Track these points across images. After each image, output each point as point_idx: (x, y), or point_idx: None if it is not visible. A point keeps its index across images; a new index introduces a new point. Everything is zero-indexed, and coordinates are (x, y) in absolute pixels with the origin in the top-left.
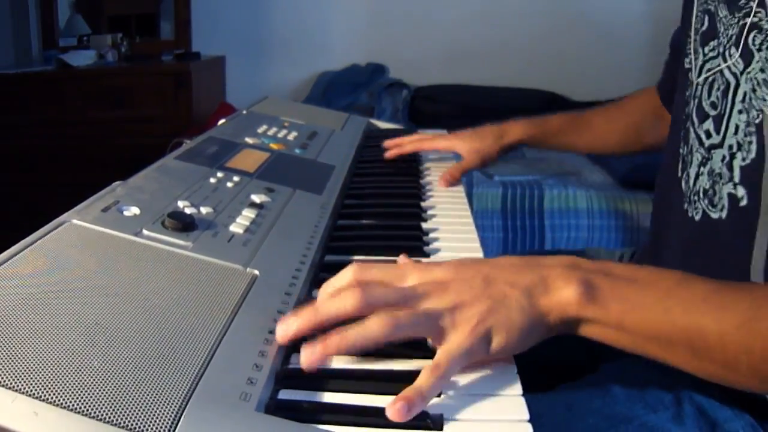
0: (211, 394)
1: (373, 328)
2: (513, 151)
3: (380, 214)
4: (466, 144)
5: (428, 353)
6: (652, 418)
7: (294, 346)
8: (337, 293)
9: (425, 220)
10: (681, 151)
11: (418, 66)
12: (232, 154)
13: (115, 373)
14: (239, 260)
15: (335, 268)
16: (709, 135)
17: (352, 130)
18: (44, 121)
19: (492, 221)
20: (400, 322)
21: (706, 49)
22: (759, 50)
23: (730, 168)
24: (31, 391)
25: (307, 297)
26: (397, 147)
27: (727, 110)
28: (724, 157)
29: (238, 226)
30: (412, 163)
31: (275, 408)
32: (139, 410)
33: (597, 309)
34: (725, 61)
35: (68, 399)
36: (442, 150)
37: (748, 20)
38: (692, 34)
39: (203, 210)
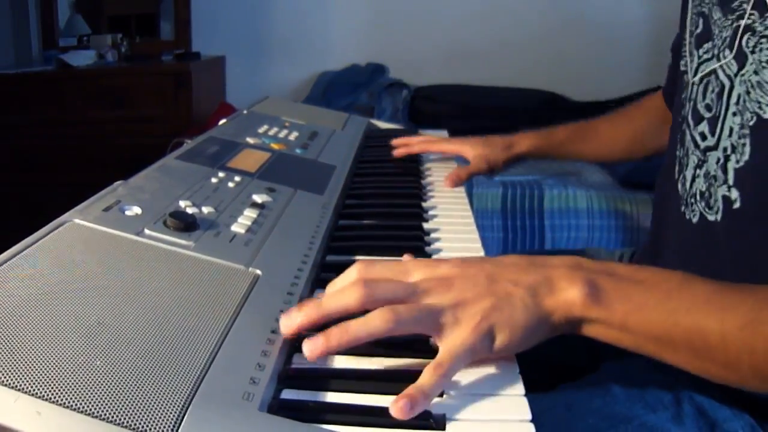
0: (213, 394)
1: (375, 321)
2: (519, 162)
3: (381, 214)
4: (474, 149)
5: (430, 352)
6: (652, 418)
7: (296, 345)
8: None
9: (426, 221)
10: (677, 153)
11: (418, 66)
12: (233, 154)
13: (117, 373)
14: (241, 260)
15: (337, 268)
16: (704, 137)
17: (352, 130)
18: (44, 121)
19: (492, 221)
20: (402, 317)
21: (701, 51)
22: (753, 52)
23: (725, 170)
24: (34, 390)
25: (309, 297)
26: (404, 146)
27: (722, 112)
28: (718, 160)
29: (239, 226)
30: (413, 164)
31: (278, 408)
32: (141, 410)
33: (601, 309)
34: (719, 63)
35: (71, 398)
36: (450, 153)
37: (742, 22)
38: (687, 36)
39: (205, 210)
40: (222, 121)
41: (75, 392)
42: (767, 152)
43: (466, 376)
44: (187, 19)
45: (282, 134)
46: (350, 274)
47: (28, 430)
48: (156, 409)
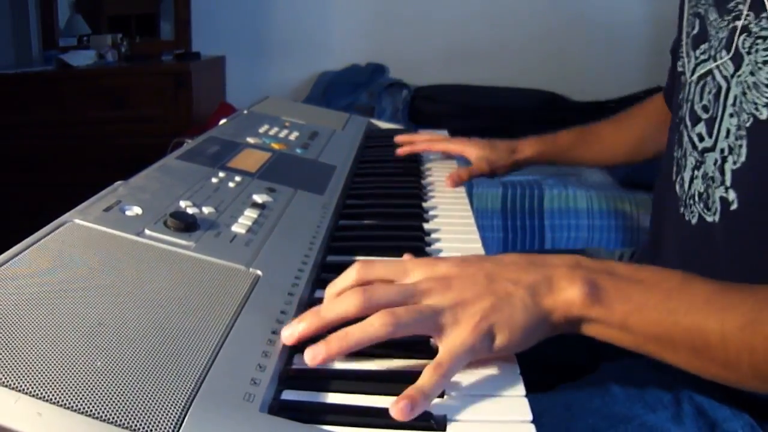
0: (214, 395)
1: (375, 326)
2: (521, 168)
3: (382, 215)
4: (477, 151)
5: (430, 353)
6: (652, 417)
7: (297, 346)
8: (341, 294)
9: (427, 221)
10: (675, 154)
11: (418, 66)
12: (233, 154)
13: (118, 374)
14: (242, 260)
15: (337, 269)
16: (701, 138)
17: (352, 130)
18: (44, 121)
19: (492, 221)
20: (401, 320)
21: (698, 52)
22: (749, 53)
23: (722, 172)
24: (35, 391)
25: (309, 297)
26: (409, 145)
27: (719, 113)
28: (716, 161)
29: (240, 226)
30: (414, 164)
31: (279, 409)
32: (142, 411)
33: (601, 309)
34: (716, 64)
35: (72, 399)
36: (453, 153)
37: (738, 23)
38: (684, 37)
39: (205, 210)
40: (222, 121)
41: (76, 393)
42: (764, 153)
43: (467, 377)
44: (187, 19)
45: (282, 134)
46: (349, 275)
47: (28, 431)
48: (157, 409)
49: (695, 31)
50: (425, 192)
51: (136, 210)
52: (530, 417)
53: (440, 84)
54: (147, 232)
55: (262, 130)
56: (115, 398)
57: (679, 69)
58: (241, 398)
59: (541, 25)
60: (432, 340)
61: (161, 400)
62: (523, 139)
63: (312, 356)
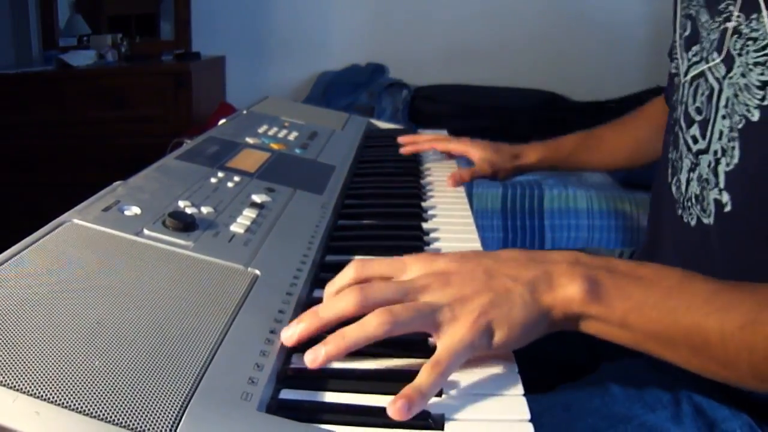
0: (212, 394)
1: (372, 325)
2: (523, 173)
3: (381, 214)
4: (481, 152)
5: (429, 352)
6: (651, 417)
7: (295, 346)
8: (339, 293)
9: (426, 220)
10: (670, 156)
11: (418, 66)
12: (232, 154)
13: (116, 373)
14: (240, 260)
15: (336, 268)
16: (696, 140)
17: (352, 130)
18: (44, 121)
19: (492, 221)
20: (398, 319)
21: (690, 54)
22: (740, 55)
23: (716, 174)
24: (33, 390)
25: (308, 297)
26: (412, 144)
27: (712, 115)
28: (710, 163)
29: (238, 226)
30: (413, 164)
31: (276, 408)
32: (140, 410)
33: (601, 307)
34: (708, 65)
35: (70, 398)
36: (456, 153)
37: (729, 25)
38: (677, 38)
39: (204, 210)
40: (222, 121)
41: (74, 392)
42: (756, 155)
43: (465, 376)
44: (187, 19)
45: (282, 134)
46: (347, 273)
47: (26, 430)
48: (154, 409)
49: (687, 33)
50: (424, 192)
51: (135, 210)
52: (528, 416)
53: (440, 84)
54: (146, 232)
55: (261, 130)
56: (113, 397)
57: (673, 70)
58: (239, 397)
59: (541, 25)
60: (431, 338)
61: (159, 399)
62: (527, 145)
63: (312, 359)
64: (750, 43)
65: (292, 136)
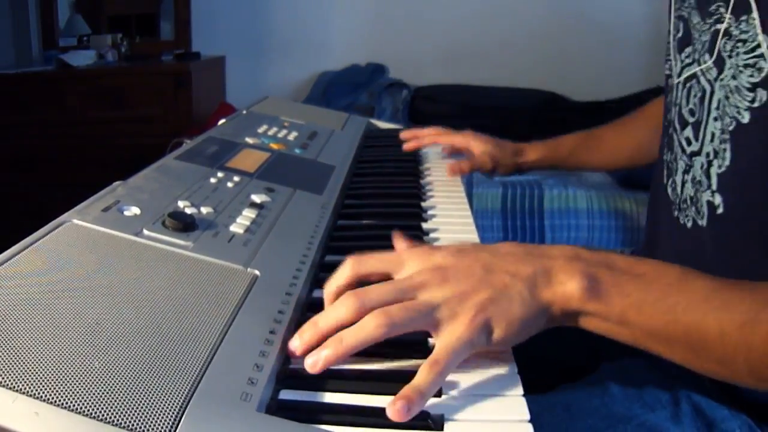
0: (211, 395)
1: (370, 328)
2: (523, 172)
3: (380, 214)
4: (482, 145)
5: (428, 352)
6: (650, 417)
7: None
8: (336, 301)
9: (425, 220)
10: (665, 157)
11: (418, 66)
12: (232, 154)
13: (115, 373)
14: (240, 260)
15: (336, 268)
16: (689, 142)
17: (352, 130)
18: (44, 121)
19: (492, 221)
20: (396, 320)
21: (683, 56)
22: (730, 57)
23: (708, 176)
24: (32, 391)
25: (307, 297)
26: (415, 140)
27: (704, 117)
28: (702, 165)
29: (238, 226)
30: (413, 164)
31: (276, 408)
32: (139, 410)
33: (599, 303)
34: (700, 67)
35: (69, 399)
36: (458, 146)
37: (720, 26)
38: (671, 40)
39: (203, 210)
40: (221, 121)
41: (73, 393)
42: (747, 157)
43: (465, 376)
44: (187, 19)
45: (281, 134)
46: (344, 271)
47: (26, 430)
48: (154, 409)
49: (680, 35)
50: (424, 192)
51: (135, 210)
52: (528, 416)
53: (440, 84)
54: (145, 232)
55: (261, 130)
56: (113, 398)
57: (667, 72)
58: (239, 398)
59: (541, 25)
60: (430, 338)
61: (158, 400)
62: (529, 144)
63: (312, 364)
64: (740, 45)
65: (291, 136)
